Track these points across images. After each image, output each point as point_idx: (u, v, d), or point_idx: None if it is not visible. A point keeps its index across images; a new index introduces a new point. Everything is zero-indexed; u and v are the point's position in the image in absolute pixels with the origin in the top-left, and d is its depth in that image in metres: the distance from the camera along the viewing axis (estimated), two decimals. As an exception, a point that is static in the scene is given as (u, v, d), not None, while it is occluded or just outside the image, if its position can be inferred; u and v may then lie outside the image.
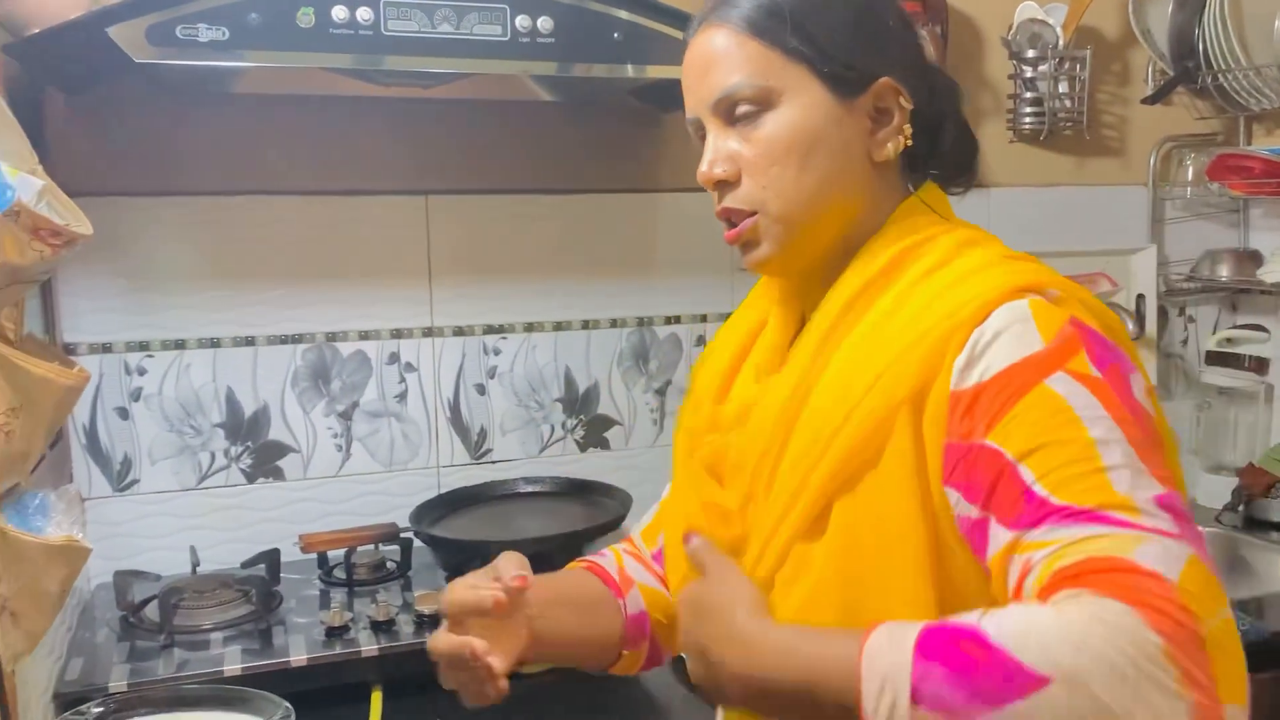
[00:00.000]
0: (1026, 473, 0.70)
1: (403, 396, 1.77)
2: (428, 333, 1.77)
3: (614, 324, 1.88)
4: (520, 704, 1.04)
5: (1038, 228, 2.13)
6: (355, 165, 1.71)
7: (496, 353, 1.81)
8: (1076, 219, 2.16)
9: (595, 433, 1.88)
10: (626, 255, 1.88)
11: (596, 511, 1.68)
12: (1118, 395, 0.72)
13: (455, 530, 1.65)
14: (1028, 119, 2.05)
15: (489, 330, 1.80)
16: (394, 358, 1.76)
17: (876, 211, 0.87)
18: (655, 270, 1.89)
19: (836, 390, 0.80)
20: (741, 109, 0.84)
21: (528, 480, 1.80)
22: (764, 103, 0.83)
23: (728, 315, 1.94)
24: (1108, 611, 0.61)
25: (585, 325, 1.86)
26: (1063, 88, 2.04)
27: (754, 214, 0.85)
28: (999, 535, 0.71)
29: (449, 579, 1.59)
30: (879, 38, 0.86)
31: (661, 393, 1.92)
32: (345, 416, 1.74)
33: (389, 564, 1.65)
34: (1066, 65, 2.03)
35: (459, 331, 1.79)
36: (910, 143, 0.86)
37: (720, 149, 0.85)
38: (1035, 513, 0.69)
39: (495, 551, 1.53)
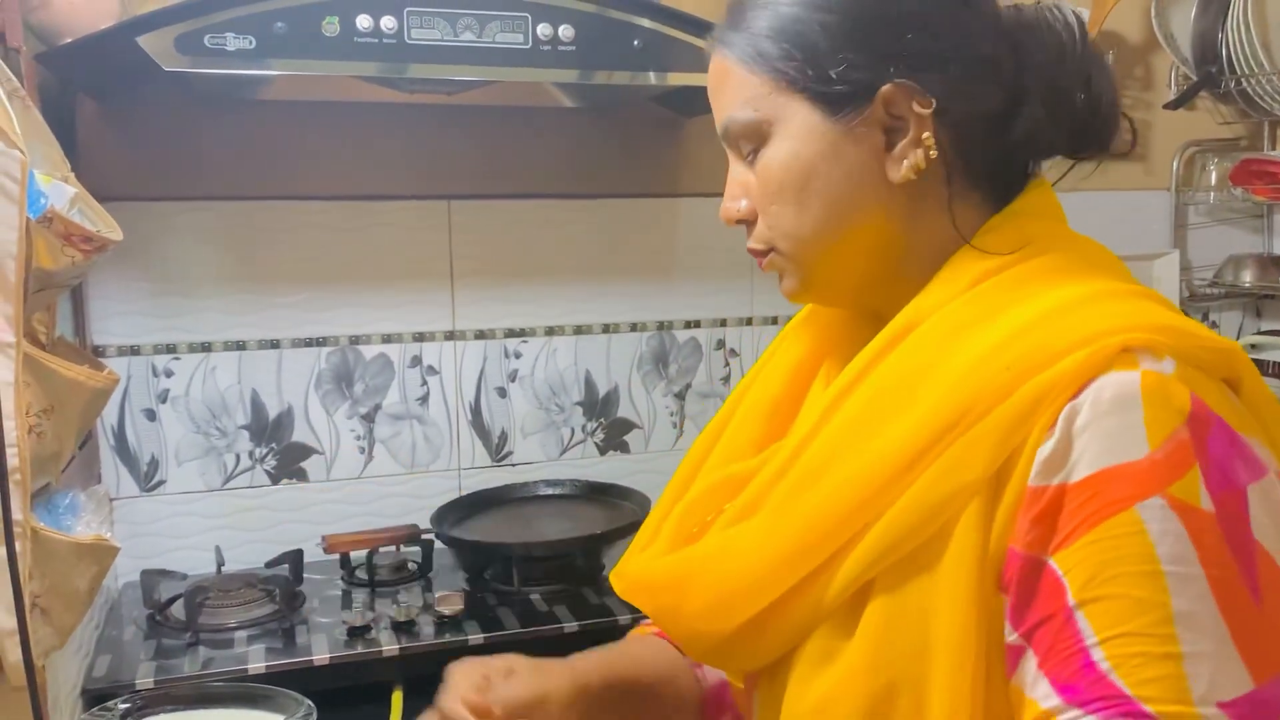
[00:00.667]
0: (1085, 626, 0.58)
1: (424, 399, 1.79)
2: (449, 336, 1.79)
3: (634, 328, 1.89)
4: None
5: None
6: (378, 170, 1.74)
7: (517, 356, 1.83)
8: (1098, 225, 2.12)
9: (615, 436, 1.90)
10: (647, 259, 1.89)
11: (616, 514, 1.69)
12: (1226, 541, 0.58)
13: (476, 532, 1.67)
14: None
15: (510, 334, 1.82)
16: (416, 360, 1.78)
17: (922, 233, 0.72)
18: (675, 274, 1.91)
19: (884, 444, 0.65)
20: (741, 144, 0.74)
21: (548, 483, 1.81)
22: (757, 137, 0.73)
23: (747, 320, 1.98)
24: None
25: (606, 329, 1.87)
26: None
27: (769, 251, 0.75)
28: (1040, 687, 0.60)
29: (469, 580, 1.61)
30: (882, 34, 0.69)
31: (681, 396, 1.93)
32: (368, 419, 1.76)
33: (410, 565, 1.67)
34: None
35: (481, 335, 1.81)
36: (934, 154, 0.69)
37: (734, 184, 0.76)
38: (1091, 690, 0.58)
39: (517, 554, 1.54)
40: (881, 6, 0.69)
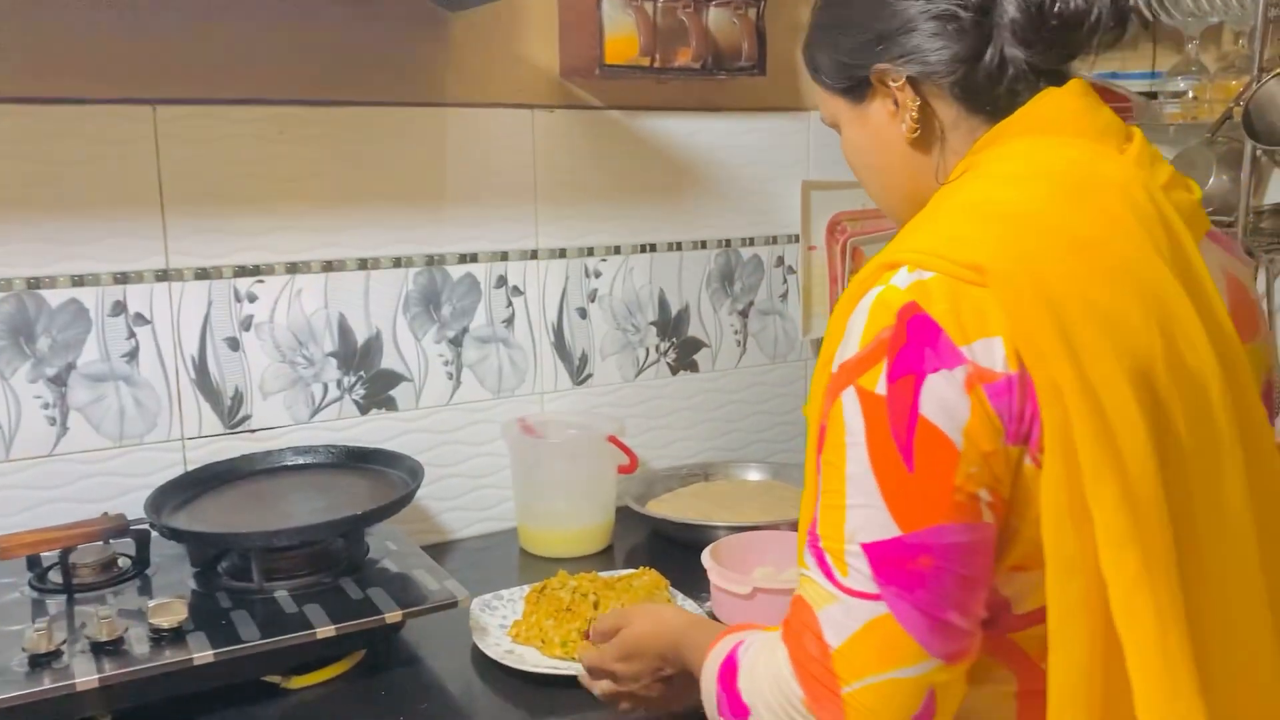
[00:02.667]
0: (821, 490, 0.77)
1: (133, 355, 1.44)
2: (162, 276, 1.44)
3: (398, 263, 1.60)
4: None
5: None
6: (65, 67, 1.35)
7: (252, 299, 1.51)
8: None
9: (379, 391, 1.61)
10: (408, 183, 1.60)
11: (381, 486, 1.42)
12: (889, 417, 0.72)
13: (201, 519, 1.35)
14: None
15: (241, 272, 1.49)
16: (119, 308, 1.42)
17: (944, 177, 0.88)
18: (445, 201, 1.63)
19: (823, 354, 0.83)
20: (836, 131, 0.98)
21: (296, 451, 1.51)
22: (835, 127, 0.97)
23: (532, 253, 1.73)
24: (780, 663, 0.77)
25: (363, 265, 1.58)
26: None
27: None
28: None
29: (198, 577, 1.30)
30: (854, 36, 0.89)
31: (457, 343, 1.66)
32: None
33: (121, 562, 1.34)
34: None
35: (203, 275, 1.47)
36: (915, 113, 0.86)
37: None
38: (811, 536, 0.77)
39: (256, 544, 1.26)
40: (848, 14, 0.90)
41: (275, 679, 1.23)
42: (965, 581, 0.71)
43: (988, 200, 0.79)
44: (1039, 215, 0.76)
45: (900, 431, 0.71)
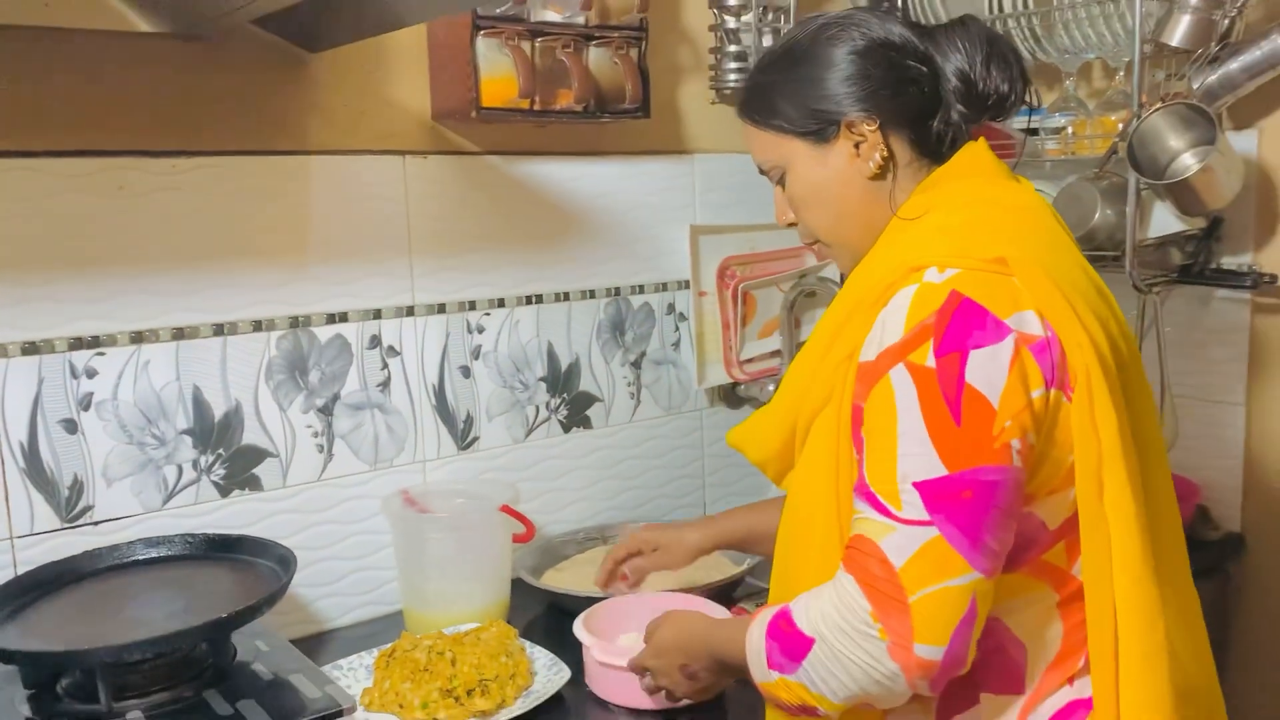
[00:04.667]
0: (863, 451, 0.95)
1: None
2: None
3: (259, 327, 1.45)
4: None
5: (742, 199, 1.93)
6: None
7: (90, 376, 1.33)
8: (783, 187, 1.99)
9: (241, 471, 1.45)
10: (270, 237, 1.45)
11: (250, 581, 1.26)
12: (940, 383, 0.89)
13: (32, 635, 1.17)
14: (731, 77, 1.84)
15: (81, 345, 1.32)
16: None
17: (895, 207, 1.06)
18: (310, 255, 1.48)
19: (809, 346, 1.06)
20: (772, 175, 1.12)
21: (147, 543, 1.33)
22: (779, 171, 1.10)
23: (408, 309, 1.60)
24: (845, 587, 0.91)
25: (218, 331, 1.42)
26: (767, 41, 1.84)
27: (816, 242, 1.12)
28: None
29: (33, 700, 1.13)
30: (829, 85, 1.04)
31: (327, 411, 1.51)
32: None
33: None
34: (770, 15, 1.83)
35: (36, 350, 1.29)
36: (885, 153, 1.04)
37: (779, 200, 1.13)
38: (860, 488, 0.94)
39: (102, 660, 1.12)
40: (822, 70, 1.05)
41: (131, 819, 1.06)
42: (998, 512, 0.89)
43: (971, 220, 0.99)
44: (1014, 225, 1.00)
45: (950, 394, 0.89)
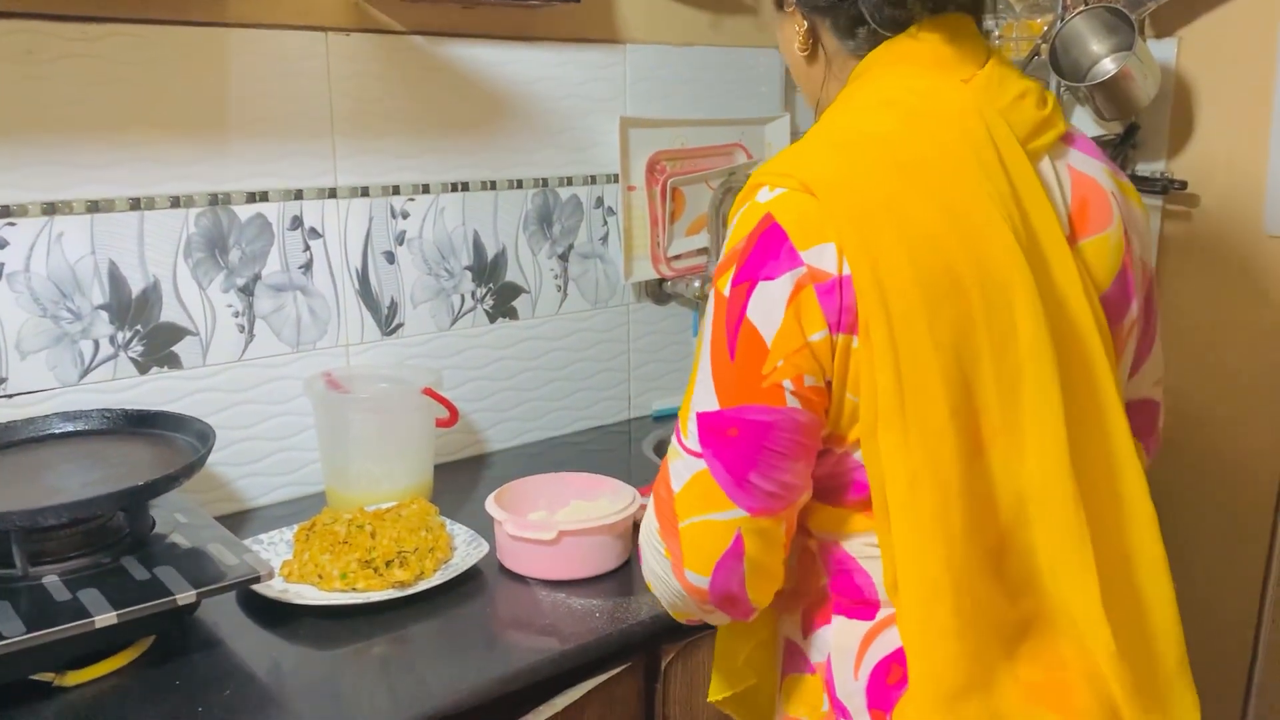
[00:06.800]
0: None
1: None
2: None
3: (177, 203, 1.43)
4: None
5: (674, 92, 1.92)
6: None
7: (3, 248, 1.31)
8: (713, 83, 1.99)
9: (159, 349, 1.44)
10: (189, 112, 1.42)
11: (166, 453, 1.27)
12: (728, 313, 0.86)
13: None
14: (665, -34, 1.82)
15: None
16: None
17: (830, 95, 0.98)
18: (230, 132, 1.46)
19: None
20: None
21: (64, 417, 1.33)
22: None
23: (330, 191, 1.59)
24: (649, 502, 0.95)
25: (134, 205, 1.39)
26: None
27: None
28: None
29: None
30: None
31: (248, 291, 1.50)
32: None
33: None
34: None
35: (-61, 216, 1.26)
36: (802, 29, 0.98)
37: None
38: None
39: (18, 523, 1.07)
40: None
41: (48, 677, 1.08)
42: (767, 453, 0.86)
43: (839, 127, 0.91)
44: (877, 140, 0.88)
45: (731, 327, 0.86)
